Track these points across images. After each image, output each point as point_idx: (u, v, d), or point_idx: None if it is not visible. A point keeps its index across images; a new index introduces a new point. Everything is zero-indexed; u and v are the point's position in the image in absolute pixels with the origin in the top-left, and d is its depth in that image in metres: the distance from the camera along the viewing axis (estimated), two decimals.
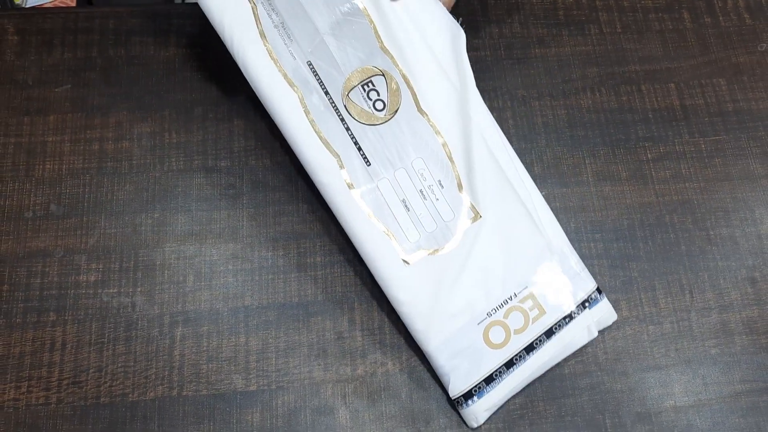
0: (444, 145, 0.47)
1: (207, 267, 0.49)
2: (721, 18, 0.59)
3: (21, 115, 0.52)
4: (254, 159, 0.52)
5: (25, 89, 0.53)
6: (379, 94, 0.47)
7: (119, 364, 0.47)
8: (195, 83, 0.54)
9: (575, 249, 0.48)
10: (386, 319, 0.48)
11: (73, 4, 0.78)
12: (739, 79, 0.57)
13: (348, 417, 0.46)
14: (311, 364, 0.47)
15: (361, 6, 0.47)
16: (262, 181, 0.51)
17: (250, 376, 0.47)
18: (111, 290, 0.48)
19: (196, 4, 0.57)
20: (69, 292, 0.48)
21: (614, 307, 0.49)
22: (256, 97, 0.53)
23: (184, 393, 0.46)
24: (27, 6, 0.78)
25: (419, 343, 0.46)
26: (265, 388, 0.47)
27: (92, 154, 0.52)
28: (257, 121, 0.53)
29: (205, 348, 0.47)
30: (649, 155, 0.54)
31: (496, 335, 0.46)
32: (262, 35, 0.46)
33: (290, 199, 0.51)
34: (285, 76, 0.46)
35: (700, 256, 0.51)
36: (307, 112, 0.46)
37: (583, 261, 0.48)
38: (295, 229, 0.50)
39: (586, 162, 0.53)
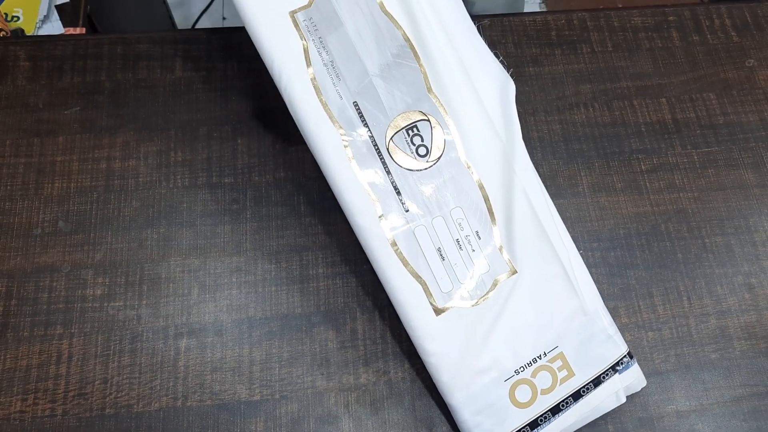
0: (485, 196, 0.47)
1: (211, 280, 0.50)
2: (709, 36, 0.61)
3: (31, 136, 0.54)
4: (257, 175, 0.53)
5: (36, 112, 0.55)
6: (422, 140, 0.47)
7: (124, 376, 0.47)
8: (200, 104, 0.56)
9: None
10: (388, 329, 0.49)
11: (83, 33, 0.81)
12: (729, 94, 0.58)
13: (351, 425, 0.46)
14: (314, 373, 0.48)
15: (411, 50, 0.47)
16: (265, 196, 0.53)
17: (254, 386, 0.47)
18: (117, 303, 0.49)
19: (201, 30, 0.59)
20: (75, 305, 0.49)
21: (613, 314, 0.49)
22: (259, 117, 0.55)
23: (189, 403, 0.47)
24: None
25: (443, 395, 0.46)
26: (269, 397, 0.47)
27: (100, 172, 0.53)
28: (260, 139, 0.55)
29: (209, 359, 0.48)
30: (643, 167, 0.55)
31: (523, 394, 0.45)
32: (311, 73, 0.46)
33: (292, 213, 0.52)
34: (330, 115, 0.46)
35: (696, 263, 0.52)
36: (348, 154, 0.46)
37: None
38: (297, 242, 0.51)
39: (582, 174, 0.55)
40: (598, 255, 0.52)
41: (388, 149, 0.47)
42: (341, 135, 0.46)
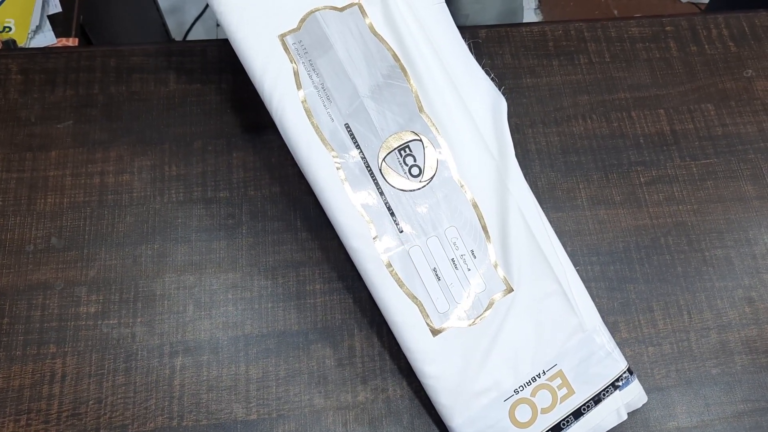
0: (479, 215, 0.47)
1: (207, 296, 0.49)
2: (706, 46, 0.61)
3: (24, 151, 0.53)
4: (253, 190, 0.53)
5: (28, 126, 0.54)
6: (415, 160, 0.47)
7: (119, 395, 0.46)
8: (194, 118, 0.55)
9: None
10: (386, 345, 0.48)
11: (75, 44, 0.80)
12: (727, 104, 0.58)
13: None
14: (311, 391, 0.47)
15: (401, 70, 0.47)
16: (261, 210, 0.52)
17: (251, 404, 0.47)
18: (111, 321, 0.48)
19: (195, 42, 0.59)
20: (69, 324, 0.48)
21: (613, 329, 0.49)
22: (255, 131, 0.55)
23: (184, 423, 0.46)
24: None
25: (442, 417, 0.45)
26: (266, 416, 0.46)
27: (93, 187, 0.52)
28: (255, 153, 0.54)
29: (205, 377, 0.47)
30: (642, 179, 0.55)
31: (523, 414, 0.44)
32: (302, 96, 0.46)
33: (289, 228, 0.52)
34: (322, 137, 0.46)
35: (696, 277, 0.52)
36: (341, 176, 0.45)
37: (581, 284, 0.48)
38: (294, 258, 0.51)
39: (580, 187, 0.54)
40: (598, 269, 0.52)
41: (380, 170, 0.46)
42: (333, 157, 0.46)
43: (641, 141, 0.56)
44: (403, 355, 0.47)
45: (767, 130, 0.57)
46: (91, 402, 0.46)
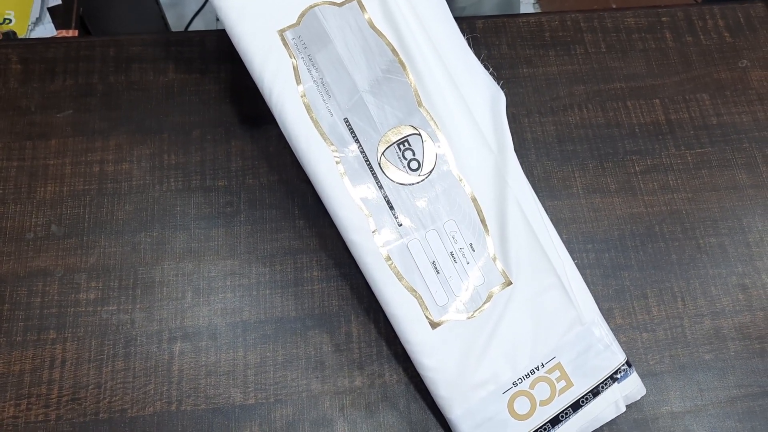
0: (477, 209, 0.47)
1: (205, 283, 0.50)
2: (702, 37, 0.61)
3: (24, 139, 0.54)
4: (251, 178, 0.53)
5: (28, 115, 0.54)
6: (414, 154, 0.47)
7: (118, 380, 0.47)
8: (193, 107, 0.56)
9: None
10: (383, 331, 0.49)
11: (75, 35, 0.81)
12: (722, 94, 0.59)
13: (346, 428, 0.46)
14: (309, 376, 0.48)
15: (400, 64, 0.47)
16: (259, 199, 0.53)
17: (248, 389, 0.47)
18: (110, 307, 0.49)
19: (194, 32, 0.59)
20: (69, 310, 0.49)
21: (607, 316, 0.49)
22: (253, 120, 0.55)
23: (183, 408, 0.46)
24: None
25: (441, 410, 0.45)
26: (264, 401, 0.47)
27: (93, 175, 0.53)
28: (254, 142, 0.55)
29: (203, 363, 0.48)
30: (637, 168, 0.55)
31: (521, 406, 0.44)
32: (301, 91, 0.46)
33: (287, 215, 0.52)
34: (321, 132, 0.46)
35: (690, 264, 0.52)
36: (340, 170, 0.46)
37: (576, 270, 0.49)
38: (291, 245, 0.51)
39: (576, 175, 0.55)
40: (593, 256, 0.52)
41: (380, 164, 0.46)
42: (333, 152, 0.46)
43: (636, 130, 0.57)
44: (399, 341, 0.47)
45: (761, 119, 0.58)
46: (90, 387, 0.47)
